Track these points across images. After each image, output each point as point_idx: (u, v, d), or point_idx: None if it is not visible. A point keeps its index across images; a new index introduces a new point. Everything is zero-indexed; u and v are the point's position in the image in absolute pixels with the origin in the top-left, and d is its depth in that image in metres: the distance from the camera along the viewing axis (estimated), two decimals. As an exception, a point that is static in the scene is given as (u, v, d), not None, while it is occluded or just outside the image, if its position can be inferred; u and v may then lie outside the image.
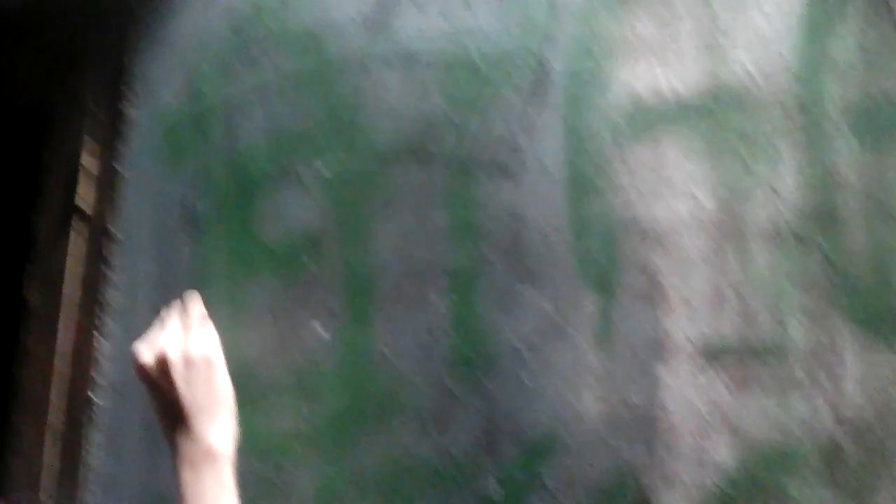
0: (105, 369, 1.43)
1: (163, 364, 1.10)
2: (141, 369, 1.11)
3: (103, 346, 1.44)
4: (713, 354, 1.05)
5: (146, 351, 1.11)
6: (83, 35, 1.61)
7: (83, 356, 1.45)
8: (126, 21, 1.56)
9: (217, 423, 1.09)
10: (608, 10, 1.16)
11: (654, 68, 1.13)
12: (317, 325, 1.27)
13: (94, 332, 1.45)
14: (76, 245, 1.51)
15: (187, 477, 1.04)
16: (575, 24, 1.18)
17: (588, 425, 1.08)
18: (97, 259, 1.48)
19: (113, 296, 1.46)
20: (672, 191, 1.09)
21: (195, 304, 1.20)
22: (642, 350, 1.07)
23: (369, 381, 1.22)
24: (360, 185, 1.29)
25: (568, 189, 1.14)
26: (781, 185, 1.05)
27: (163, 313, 1.20)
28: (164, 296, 1.38)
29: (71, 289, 1.49)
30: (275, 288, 1.31)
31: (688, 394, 1.05)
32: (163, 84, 1.49)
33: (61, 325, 1.48)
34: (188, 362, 1.10)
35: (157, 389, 1.11)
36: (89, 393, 1.42)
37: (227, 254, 1.37)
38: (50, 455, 1.44)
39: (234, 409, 1.13)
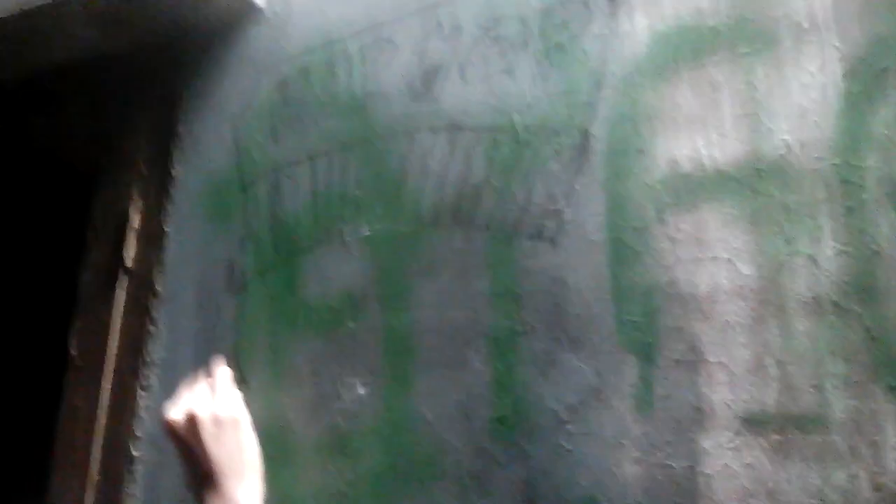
0: (146, 423, 1.45)
1: (192, 423, 1.13)
2: (170, 428, 1.14)
3: (145, 401, 1.46)
4: (753, 422, 1.06)
5: (176, 410, 1.15)
6: (134, 95, 1.67)
7: (125, 410, 1.47)
8: (176, 83, 1.62)
9: (244, 482, 1.11)
10: (650, 83, 1.20)
11: (695, 139, 1.15)
12: (356, 384, 1.29)
13: (137, 387, 1.47)
14: (121, 300, 1.54)
15: None
16: (617, 96, 1.21)
17: (628, 491, 1.09)
18: (141, 314, 1.51)
19: (155, 351, 1.48)
20: (713, 259, 1.11)
21: (222, 368, 1.22)
22: (682, 417, 1.08)
23: (408, 443, 1.24)
24: (402, 247, 1.32)
25: (609, 256, 1.16)
26: (821, 255, 1.07)
27: (193, 376, 1.25)
28: (205, 352, 1.41)
29: (115, 343, 1.52)
30: (316, 346, 1.34)
31: (728, 461, 1.05)
32: (211, 146, 1.54)
33: (104, 379, 1.50)
34: (216, 422, 1.14)
35: (186, 448, 1.14)
36: (130, 447, 1.44)
37: (269, 312, 1.39)
38: (89, 508, 1.46)
39: (261, 469, 1.16)
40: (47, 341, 1.68)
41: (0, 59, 1.79)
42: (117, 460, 1.45)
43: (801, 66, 1.13)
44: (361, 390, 1.28)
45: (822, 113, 1.10)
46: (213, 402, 1.19)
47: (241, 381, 1.37)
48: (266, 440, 1.31)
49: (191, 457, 1.15)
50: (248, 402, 1.34)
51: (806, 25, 1.14)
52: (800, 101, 1.12)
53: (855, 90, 1.10)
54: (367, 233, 1.35)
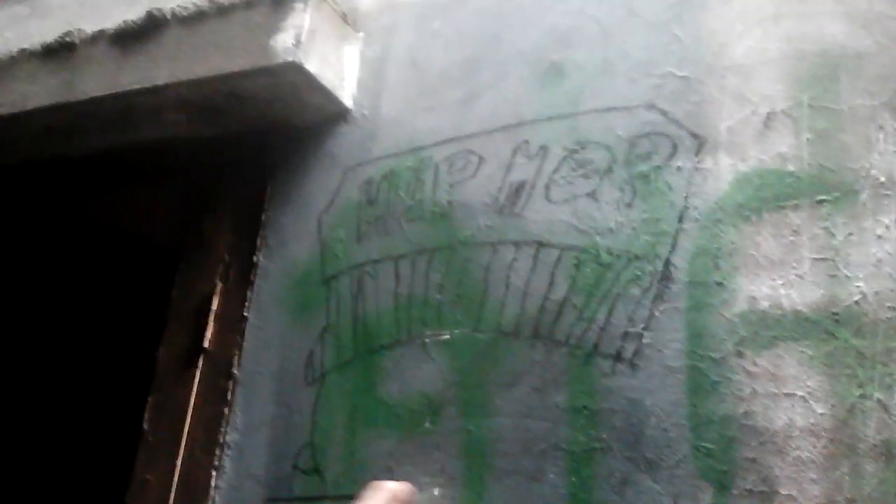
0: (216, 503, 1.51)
1: None
2: None
3: (216, 481, 1.52)
4: (821, 559, 1.11)
5: None
6: (220, 181, 1.75)
7: (196, 489, 1.52)
8: (263, 173, 1.70)
9: None
10: (731, 220, 1.27)
11: (774, 279, 1.22)
12: (431, 486, 1.34)
13: (209, 467, 1.52)
14: (197, 381, 1.60)
15: None
16: (698, 230, 1.28)
17: None
18: (217, 396, 1.57)
19: (229, 433, 1.54)
20: (788, 396, 1.17)
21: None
22: (755, 548, 1.13)
23: (480, 547, 1.29)
24: (481, 355, 1.38)
25: (687, 383, 1.23)
26: (891, 402, 1.13)
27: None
28: (280, 439, 1.47)
29: (188, 422, 1.58)
30: (391, 444, 1.40)
31: None
32: (295, 239, 1.61)
33: (176, 457, 1.56)
34: None
35: None
36: (201, 527, 1.49)
37: (346, 406, 1.46)
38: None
39: None
40: (120, 416, 1.74)
41: (87, 135, 1.87)
42: (188, 539, 1.50)
43: (877, 218, 1.20)
44: (437, 492, 1.34)
45: (896, 265, 1.18)
46: None
47: (316, 471, 1.42)
48: (338, 534, 1.37)
49: None
50: (322, 494, 1.40)
51: (883, 179, 1.22)
52: (875, 251, 1.19)
53: (929, 246, 1.17)
54: (447, 337, 1.41)
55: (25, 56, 1.88)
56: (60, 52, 1.85)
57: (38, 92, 1.83)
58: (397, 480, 1.33)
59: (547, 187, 1.42)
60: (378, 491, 1.25)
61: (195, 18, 1.67)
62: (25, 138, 1.91)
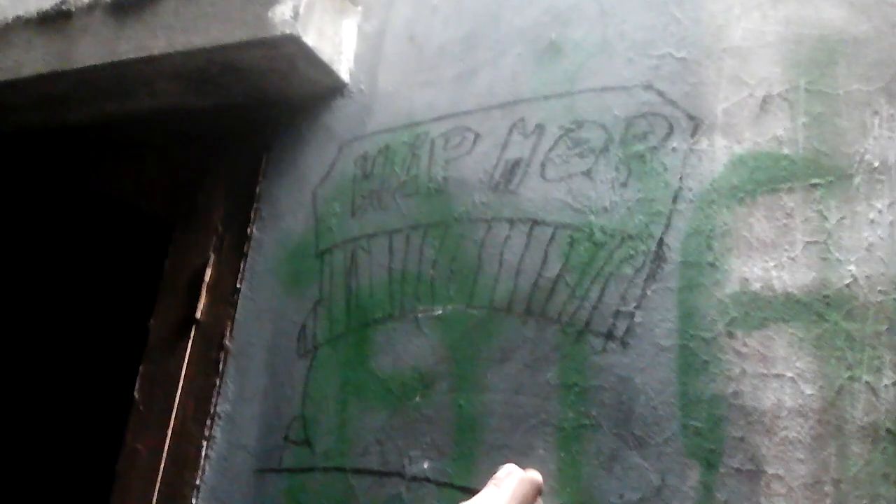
0: (207, 475, 1.51)
1: None
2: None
3: (207, 453, 1.52)
4: (805, 537, 1.13)
5: None
6: (214, 152, 1.75)
7: (187, 459, 1.53)
8: (258, 146, 1.70)
9: None
10: (726, 205, 1.28)
11: (767, 263, 1.23)
12: (422, 459, 1.35)
13: (200, 438, 1.53)
14: (189, 352, 1.60)
15: None
16: (694, 214, 1.29)
17: (683, 591, 1.15)
18: (208, 368, 1.57)
19: (220, 404, 1.55)
20: (777, 377, 1.18)
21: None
22: (741, 525, 1.15)
23: (469, 521, 1.30)
24: (473, 330, 1.39)
25: (677, 364, 1.24)
26: (879, 384, 1.14)
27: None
28: (271, 411, 1.47)
29: (180, 393, 1.58)
30: (383, 417, 1.41)
31: (779, 572, 1.12)
32: (290, 212, 1.61)
33: (168, 427, 1.56)
34: None
35: None
36: (190, 496, 1.50)
37: (338, 379, 1.46)
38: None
39: None
40: (111, 385, 1.74)
41: (81, 104, 1.87)
42: (177, 509, 1.51)
43: (870, 202, 1.21)
44: (426, 465, 1.35)
45: (887, 249, 1.19)
46: None
47: (307, 443, 1.43)
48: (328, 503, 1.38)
49: None
50: (313, 466, 1.41)
51: (877, 164, 1.22)
52: (868, 235, 1.20)
53: (921, 231, 1.18)
54: (440, 313, 1.42)
55: (21, 23, 1.87)
56: (56, 19, 1.84)
57: (33, 60, 1.83)
58: (386, 453, 1.33)
59: (542, 165, 1.43)
60: (518, 481, 1.17)
61: (193, -12, 1.66)
62: (19, 106, 1.90)
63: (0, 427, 2.08)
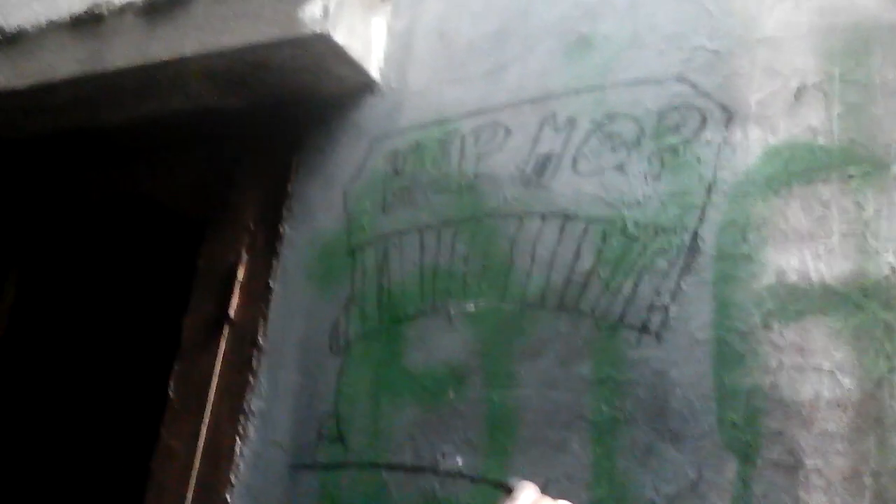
0: (241, 472, 1.52)
1: None
2: None
3: (241, 448, 1.53)
4: (845, 530, 1.11)
5: None
6: (246, 152, 1.76)
7: (221, 456, 1.54)
8: (290, 144, 1.70)
9: None
10: (760, 194, 1.26)
11: (804, 254, 1.22)
12: (455, 454, 1.35)
13: (234, 435, 1.54)
14: (222, 350, 1.61)
15: None
16: (729, 205, 1.28)
17: (721, 586, 1.14)
18: (242, 365, 1.58)
19: (254, 401, 1.55)
20: (815, 369, 1.17)
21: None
22: (779, 519, 1.13)
23: (503, 516, 1.29)
24: (506, 326, 1.38)
25: (713, 357, 1.23)
26: (920, 376, 1.13)
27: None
28: (304, 407, 1.48)
29: (214, 390, 1.59)
30: (416, 413, 1.40)
31: (818, 564, 1.11)
32: (321, 210, 1.62)
33: (202, 424, 1.57)
34: None
35: None
36: (224, 493, 1.50)
37: (371, 375, 1.46)
38: (183, 550, 1.52)
39: None
40: (147, 383, 1.75)
41: (114, 105, 1.89)
42: (211, 504, 1.51)
43: (908, 191, 1.19)
44: (459, 460, 1.34)
45: (927, 239, 1.17)
46: None
47: (340, 440, 1.43)
48: (361, 498, 1.38)
49: None
50: (346, 462, 1.41)
51: (914, 153, 1.21)
52: (906, 225, 1.18)
53: (961, 220, 1.16)
54: (472, 309, 1.42)
55: (54, 27, 1.89)
56: (89, 22, 1.85)
57: (66, 63, 1.84)
58: (419, 448, 1.33)
59: (574, 160, 1.42)
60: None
61: (223, -11, 1.67)
62: (53, 108, 1.92)
63: (38, 426, 2.10)
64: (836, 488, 1.12)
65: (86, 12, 1.88)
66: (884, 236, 1.19)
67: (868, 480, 1.11)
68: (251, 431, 1.55)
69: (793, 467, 1.15)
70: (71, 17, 1.89)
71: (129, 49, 1.78)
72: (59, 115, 1.94)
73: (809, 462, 1.14)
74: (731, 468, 1.18)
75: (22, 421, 2.04)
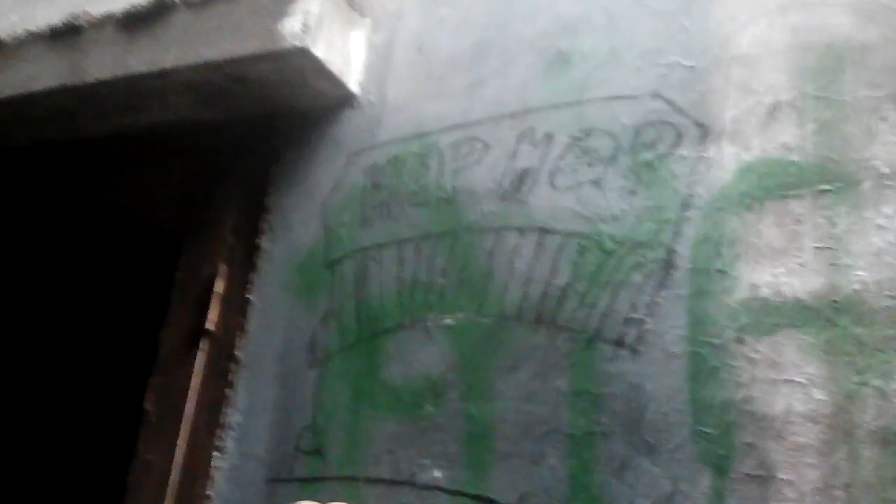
0: (219, 485, 1.52)
1: None
2: None
3: (219, 462, 1.53)
4: (817, 541, 1.13)
5: None
6: (224, 164, 1.76)
7: (198, 470, 1.53)
8: (268, 157, 1.71)
9: None
10: (734, 209, 1.28)
11: (777, 269, 1.24)
12: (432, 467, 1.36)
13: (211, 448, 1.53)
14: (200, 363, 1.61)
15: None
16: (703, 221, 1.30)
17: None
18: (220, 378, 1.58)
19: (232, 415, 1.55)
20: (787, 382, 1.19)
21: None
22: (753, 531, 1.15)
23: (480, 529, 1.30)
24: (484, 339, 1.39)
25: (688, 370, 1.24)
26: (889, 389, 1.15)
27: None
28: (282, 421, 1.48)
29: (191, 404, 1.59)
30: (393, 426, 1.41)
31: (791, 576, 1.12)
32: (300, 223, 1.62)
33: (179, 438, 1.57)
34: None
35: None
36: (202, 507, 1.50)
37: (349, 388, 1.47)
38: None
39: None
40: (123, 396, 1.75)
41: (92, 117, 1.88)
42: (189, 518, 1.51)
43: (878, 208, 1.21)
44: (437, 473, 1.35)
45: (896, 254, 1.19)
46: None
47: (318, 453, 1.43)
48: (340, 513, 1.38)
49: None
50: (324, 475, 1.41)
51: (885, 170, 1.23)
52: (876, 241, 1.20)
53: (930, 236, 1.18)
54: (451, 322, 1.42)
55: (32, 38, 1.89)
56: (67, 34, 1.85)
57: (45, 74, 1.84)
58: (398, 461, 1.34)
59: (551, 174, 1.43)
60: None
61: (203, 2, 1.68)
62: (32, 120, 1.91)
63: (13, 439, 2.09)
64: (808, 500, 1.14)
65: (64, 24, 1.89)
66: (855, 252, 1.20)
67: (839, 492, 1.13)
68: (229, 445, 1.54)
69: (766, 479, 1.16)
70: (50, 29, 1.89)
71: (108, 61, 1.78)
72: (38, 126, 1.94)
73: (782, 474, 1.15)
74: (706, 480, 1.19)
75: (-2, 435, 2.03)
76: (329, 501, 1.35)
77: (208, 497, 1.52)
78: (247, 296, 1.62)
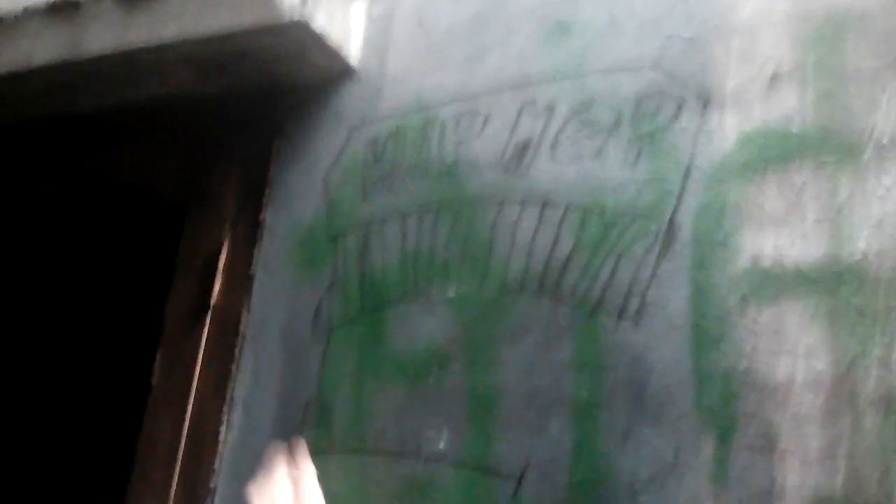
0: (226, 458, 1.53)
1: None
2: None
3: (224, 436, 1.54)
4: (821, 506, 1.14)
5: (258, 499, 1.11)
6: (226, 138, 1.76)
7: (204, 443, 1.55)
8: (269, 131, 1.71)
9: None
10: (735, 180, 1.29)
11: (777, 237, 1.24)
12: (437, 438, 1.37)
13: (217, 422, 1.55)
14: (205, 337, 1.62)
15: None
16: (703, 189, 1.30)
17: (698, 564, 1.17)
18: (225, 352, 1.59)
19: (237, 388, 1.56)
20: (789, 352, 1.19)
21: (307, 464, 1.18)
22: (755, 497, 1.16)
23: (485, 498, 1.32)
24: (487, 310, 1.40)
25: (690, 339, 1.25)
26: (890, 358, 1.15)
27: (271, 461, 1.19)
28: (288, 393, 1.49)
29: (196, 378, 1.60)
30: (399, 397, 1.42)
31: (794, 541, 1.13)
32: (301, 197, 1.63)
33: (185, 412, 1.58)
34: None
35: None
36: (208, 480, 1.52)
37: (354, 360, 1.48)
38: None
39: None
40: (129, 371, 1.76)
41: (92, 92, 1.88)
42: (195, 493, 1.52)
43: (879, 178, 1.22)
44: (442, 444, 1.36)
45: (898, 223, 1.19)
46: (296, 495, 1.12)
47: (323, 425, 1.45)
48: (346, 484, 1.39)
49: None
50: (330, 448, 1.42)
51: (885, 140, 1.23)
52: (877, 210, 1.21)
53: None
54: (453, 294, 1.43)
55: (30, 13, 1.88)
56: (65, 8, 1.84)
57: (44, 49, 1.83)
58: (403, 432, 1.35)
59: (552, 146, 1.44)
60: None
61: (201, -25, 1.67)
62: (31, 95, 1.91)
63: (18, 417, 2.10)
64: (811, 468, 1.15)
65: (62, -2, 1.87)
66: (856, 221, 1.21)
67: (841, 461, 1.14)
68: (234, 418, 1.56)
69: (768, 448, 1.17)
70: (47, 4, 1.87)
71: (106, 35, 1.77)
72: (37, 101, 1.93)
73: (784, 443, 1.17)
74: (708, 450, 1.20)
75: (3, 414, 2.04)
76: (335, 473, 1.36)
77: (214, 471, 1.53)
78: (250, 269, 1.63)
